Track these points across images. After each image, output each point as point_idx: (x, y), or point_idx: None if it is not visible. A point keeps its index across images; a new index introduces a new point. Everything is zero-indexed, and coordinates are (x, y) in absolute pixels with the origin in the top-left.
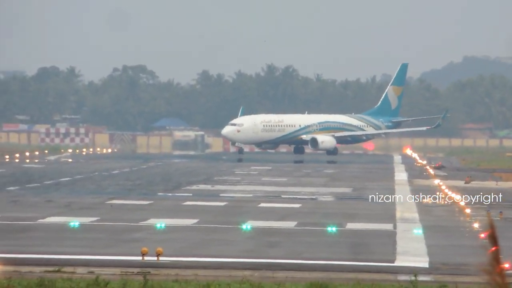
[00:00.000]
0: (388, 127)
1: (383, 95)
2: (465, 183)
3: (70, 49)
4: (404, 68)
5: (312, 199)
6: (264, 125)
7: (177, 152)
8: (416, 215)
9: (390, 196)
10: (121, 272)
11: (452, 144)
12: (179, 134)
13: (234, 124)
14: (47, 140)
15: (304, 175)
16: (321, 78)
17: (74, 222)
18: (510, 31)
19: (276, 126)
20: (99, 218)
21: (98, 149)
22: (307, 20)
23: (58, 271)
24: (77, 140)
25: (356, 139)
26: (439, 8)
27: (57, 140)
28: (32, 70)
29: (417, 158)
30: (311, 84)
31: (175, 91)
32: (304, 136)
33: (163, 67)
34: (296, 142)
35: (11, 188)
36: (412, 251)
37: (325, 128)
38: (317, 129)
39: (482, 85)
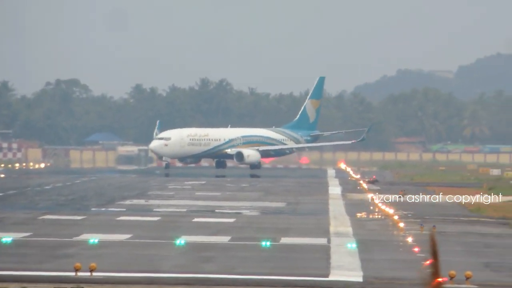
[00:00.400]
0: (307, 141)
1: (302, 109)
2: (399, 196)
3: (2, 62)
4: (321, 81)
5: (245, 213)
6: (190, 139)
7: (120, 167)
8: (350, 229)
9: (324, 210)
10: (54, 287)
11: (385, 158)
12: (122, 149)
13: (162, 138)
14: None
15: (239, 189)
16: (255, 92)
17: (7, 237)
18: (443, 45)
19: (202, 140)
20: (32, 233)
21: (31, 163)
22: (241, 33)
23: None
24: (10, 155)
25: (279, 153)
26: (372, 22)
27: None
28: None
29: (351, 172)
30: (245, 97)
31: (108, 105)
32: (228, 150)
33: (97, 80)
34: (220, 156)
35: None
36: (346, 265)
37: (248, 142)
38: (240, 143)
39: (415, 99)
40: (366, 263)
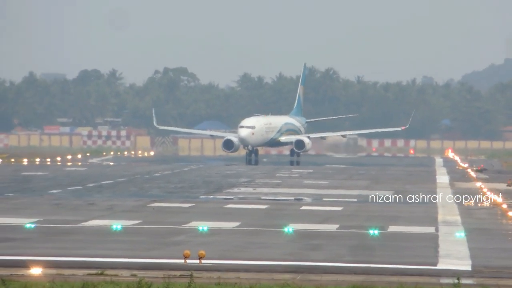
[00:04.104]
0: (305, 128)
1: (297, 96)
2: (507, 185)
3: (111, 52)
4: (304, 67)
5: (353, 202)
6: (266, 127)
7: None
8: (458, 218)
9: (432, 199)
10: (164, 275)
11: (493, 147)
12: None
13: (248, 127)
14: (89, 142)
15: (347, 177)
16: (362, 80)
17: (117, 225)
18: None
19: (270, 128)
20: (141, 221)
21: (140, 151)
22: (347, 22)
23: (101, 274)
24: (119, 142)
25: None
26: (480, 9)
27: (99, 143)
28: (73, 73)
29: (459, 161)
30: (352, 86)
31: (215, 94)
32: (283, 138)
33: (204, 69)
34: (276, 144)
35: (54, 191)
36: (455, 254)
37: (287, 129)
38: (284, 131)
39: None
40: (474, 252)
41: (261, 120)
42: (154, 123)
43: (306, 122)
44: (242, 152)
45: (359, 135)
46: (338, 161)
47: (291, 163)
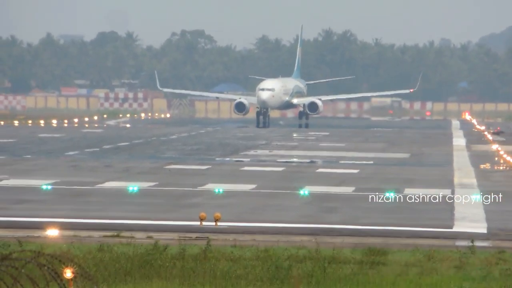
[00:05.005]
0: (306, 89)
1: (297, 58)
2: None
3: (128, 13)
4: (301, 29)
5: (370, 164)
6: (284, 89)
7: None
8: (474, 181)
9: (448, 162)
10: (179, 237)
11: (511, 109)
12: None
13: (269, 89)
14: (106, 104)
15: (363, 140)
16: (379, 43)
17: (133, 187)
18: None
19: (286, 90)
20: (157, 183)
21: (156, 113)
22: None
23: (117, 236)
24: (135, 105)
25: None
26: None
27: (116, 105)
28: (90, 35)
29: (476, 123)
30: (369, 49)
31: (233, 56)
32: (295, 100)
33: (221, 31)
34: (289, 106)
35: (70, 153)
36: (470, 217)
37: (296, 92)
38: (294, 93)
39: None
40: (490, 215)
41: (279, 83)
42: (158, 85)
43: (306, 85)
44: (253, 114)
45: (380, 96)
46: (349, 123)
47: (300, 126)
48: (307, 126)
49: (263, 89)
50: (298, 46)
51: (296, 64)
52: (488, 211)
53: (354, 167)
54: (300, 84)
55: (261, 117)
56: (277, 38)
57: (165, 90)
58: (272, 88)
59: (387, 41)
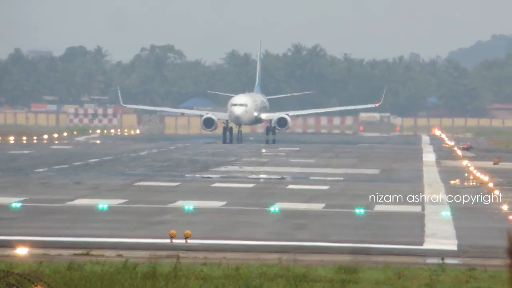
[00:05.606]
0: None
1: (257, 72)
2: (494, 164)
3: (97, 28)
4: (260, 44)
5: (340, 180)
6: (255, 105)
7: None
8: (444, 197)
9: (418, 178)
10: (150, 255)
11: (480, 124)
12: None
13: (242, 104)
14: (76, 120)
15: (333, 156)
16: (349, 57)
17: (103, 204)
18: None
19: (256, 105)
20: (127, 200)
21: (126, 130)
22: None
23: (87, 254)
24: (105, 121)
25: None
26: None
27: (85, 121)
28: (59, 50)
29: (445, 139)
30: (339, 63)
31: (202, 71)
32: (263, 116)
33: (191, 46)
34: (257, 122)
35: (40, 170)
36: (441, 233)
37: (262, 107)
38: (260, 108)
39: (510, 64)
40: (460, 231)
41: (250, 98)
42: (121, 102)
43: (268, 100)
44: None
45: (341, 112)
46: (316, 139)
47: (267, 141)
48: (273, 141)
49: (235, 105)
50: (258, 61)
51: (257, 79)
52: (458, 228)
53: (324, 183)
54: (263, 98)
55: (227, 133)
56: (246, 53)
57: (129, 106)
58: (245, 103)
59: (357, 56)
